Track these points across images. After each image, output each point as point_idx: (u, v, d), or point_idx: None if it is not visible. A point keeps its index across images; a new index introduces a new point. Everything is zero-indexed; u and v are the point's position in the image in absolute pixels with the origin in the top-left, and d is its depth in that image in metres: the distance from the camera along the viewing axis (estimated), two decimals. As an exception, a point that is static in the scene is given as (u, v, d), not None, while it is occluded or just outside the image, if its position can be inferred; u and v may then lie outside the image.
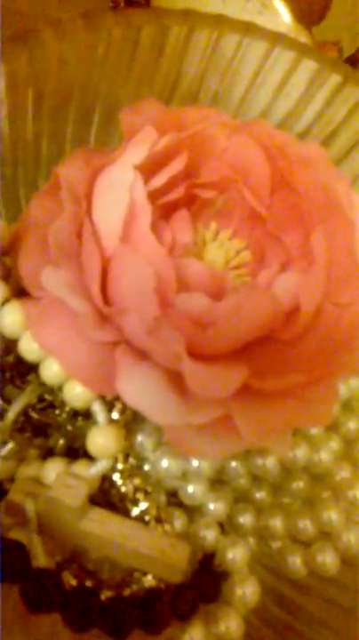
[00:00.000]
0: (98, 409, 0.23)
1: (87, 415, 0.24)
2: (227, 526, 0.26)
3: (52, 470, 0.23)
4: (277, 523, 0.26)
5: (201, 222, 0.25)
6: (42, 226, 0.22)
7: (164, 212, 0.24)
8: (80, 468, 0.23)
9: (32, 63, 0.27)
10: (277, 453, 0.25)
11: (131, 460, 0.24)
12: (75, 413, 0.24)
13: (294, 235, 0.24)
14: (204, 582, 0.24)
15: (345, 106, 0.30)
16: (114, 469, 0.24)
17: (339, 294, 0.23)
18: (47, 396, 0.25)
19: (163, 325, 0.20)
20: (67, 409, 0.24)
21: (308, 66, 0.30)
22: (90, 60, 0.29)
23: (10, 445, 0.24)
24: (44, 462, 0.23)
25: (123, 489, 0.24)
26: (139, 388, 0.21)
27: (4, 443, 0.24)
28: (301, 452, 0.26)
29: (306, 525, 0.26)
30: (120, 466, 0.24)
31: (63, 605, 0.21)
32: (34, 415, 0.24)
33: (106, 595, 0.22)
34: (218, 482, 0.26)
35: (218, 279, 0.22)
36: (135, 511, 0.23)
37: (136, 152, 0.22)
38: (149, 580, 0.23)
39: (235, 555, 0.25)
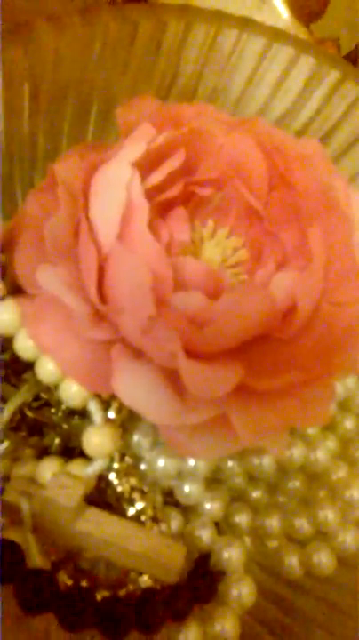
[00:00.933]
0: (94, 408, 0.23)
1: (83, 414, 0.24)
2: (222, 526, 0.26)
3: (48, 470, 0.23)
4: (273, 522, 0.26)
5: (198, 220, 0.25)
6: (38, 223, 0.22)
7: (161, 210, 0.24)
8: (76, 467, 0.23)
9: (28, 58, 0.27)
10: (274, 453, 0.25)
11: (128, 460, 0.24)
12: (70, 412, 0.24)
13: (291, 232, 0.24)
14: (200, 582, 0.24)
15: (343, 103, 0.30)
16: (110, 469, 0.23)
17: (337, 293, 0.23)
18: (43, 395, 0.24)
19: (158, 325, 0.20)
20: (62, 408, 0.24)
21: (307, 62, 0.29)
22: (86, 55, 0.28)
23: (5, 444, 0.23)
24: (40, 461, 0.23)
25: (119, 489, 0.23)
26: (135, 386, 0.21)
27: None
28: (298, 452, 0.26)
29: (302, 525, 0.26)
30: (116, 465, 0.24)
31: (58, 606, 0.20)
32: (29, 414, 0.24)
33: (101, 595, 0.22)
34: (214, 481, 0.26)
35: (215, 278, 0.22)
36: (131, 511, 0.23)
37: (133, 149, 0.22)
38: (145, 580, 0.23)
39: (231, 554, 0.25)
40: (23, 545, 0.22)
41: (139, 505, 0.23)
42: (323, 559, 0.26)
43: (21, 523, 0.22)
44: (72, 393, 0.22)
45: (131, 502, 0.23)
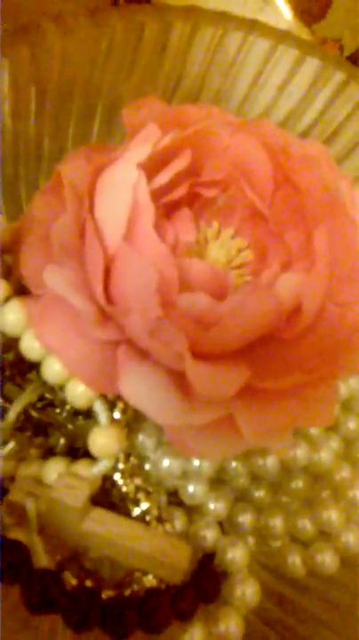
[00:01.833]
0: (99, 408, 0.23)
1: (88, 414, 0.24)
2: (226, 526, 0.26)
3: (53, 470, 0.23)
4: (277, 522, 0.26)
5: (203, 221, 0.25)
6: (44, 224, 0.22)
7: (167, 211, 0.24)
8: (81, 467, 0.23)
9: (34, 59, 0.27)
10: (278, 453, 0.25)
11: (133, 460, 0.24)
12: (75, 412, 0.24)
13: (296, 234, 0.24)
14: (204, 582, 0.24)
15: (348, 104, 0.30)
16: (115, 469, 0.23)
17: (341, 294, 0.23)
18: (48, 395, 0.24)
19: (165, 325, 0.20)
20: (67, 408, 0.24)
21: (312, 64, 0.29)
22: (92, 56, 0.28)
23: (10, 445, 0.23)
24: (45, 462, 0.23)
25: (124, 489, 0.23)
26: (141, 387, 0.21)
27: (5, 442, 0.23)
28: (301, 452, 0.26)
29: (305, 525, 0.26)
30: (121, 466, 0.24)
31: (63, 606, 0.21)
32: (34, 414, 0.24)
33: (106, 594, 0.22)
34: (217, 481, 0.26)
35: (220, 279, 0.22)
36: (136, 511, 0.23)
37: (139, 150, 0.22)
38: (150, 580, 0.23)
39: (235, 555, 0.25)
40: (29, 545, 0.22)
41: (144, 505, 0.23)
42: (327, 559, 0.26)
43: (27, 523, 0.22)
44: (78, 393, 0.22)
45: (136, 502, 0.23)
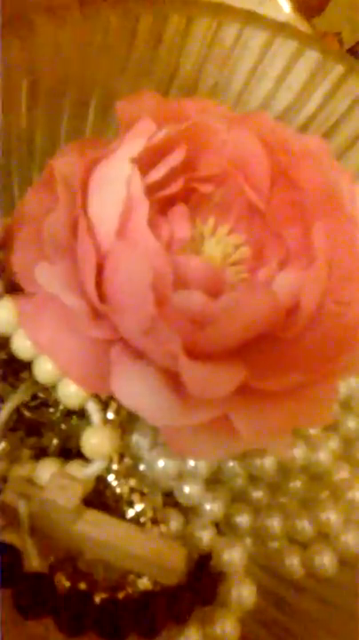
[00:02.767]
0: (92, 408, 0.23)
1: (81, 414, 0.24)
2: (223, 526, 0.26)
3: (46, 471, 0.23)
4: (275, 523, 0.26)
5: (198, 217, 0.25)
6: (36, 220, 0.22)
7: (161, 207, 0.24)
8: (74, 468, 0.23)
9: (27, 52, 0.26)
10: (276, 454, 0.25)
11: (127, 461, 0.24)
12: (68, 412, 0.24)
13: (294, 230, 0.24)
14: (200, 584, 0.24)
15: (348, 98, 0.29)
16: (109, 470, 0.23)
17: (340, 292, 0.23)
18: (41, 394, 0.24)
19: (159, 324, 0.19)
20: (60, 407, 0.24)
21: (310, 57, 0.29)
22: (86, 49, 0.28)
23: (2, 445, 0.23)
24: (38, 462, 0.23)
25: (118, 490, 0.23)
26: (135, 387, 0.20)
27: (-3, 442, 0.23)
28: (300, 452, 0.26)
29: (303, 526, 0.26)
30: (115, 466, 0.23)
31: (56, 610, 0.20)
32: (27, 414, 0.24)
33: (100, 597, 0.22)
34: (214, 481, 0.26)
35: (216, 276, 0.22)
36: (131, 513, 0.23)
37: (133, 144, 0.22)
38: (144, 583, 0.23)
39: (232, 556, 0.25)
40: (21, 547, 0.21)
41: (139, 506, 0.23)
42: (325, 560, 0.26)
43: (19, 524, 0.22)
44: (70, 393, 0.22)
45: (131, 504, 0.23)
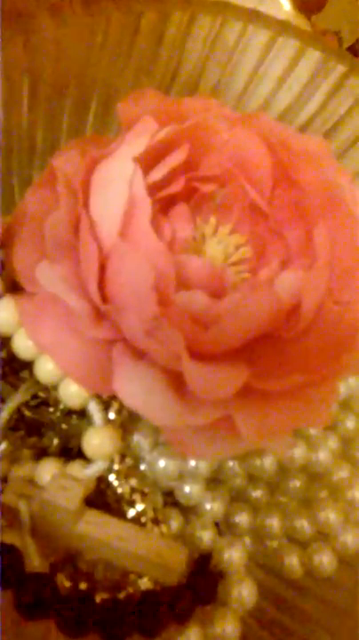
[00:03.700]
0: (94, 409, 0.22)
1: (82, 414, 0.24)
2: (223, 526, 0.26)
3: (47, 471, 0.23)
4: (274, 522, 0.26)
5: (200, 217, 0.25)
6: (37, 219, 0.22)
7: (163, 206, 0.23)
8: (75, 468, 0.23)
9: (28, 50, 0.26)
10: (276, 454, 0.25)
11: (128, 461, 0.24)
12: (69, 412, 0.24)
13: (296, 230, 0.24)
14: (201, 584, 0.24)
15: (349, 97, 0.29)
16: (110, 470, 0.23)
17: (342, 292, 0.23)
18: (41, 394, 0.24)
19: (162, 324, 0.19)
20: (61, 407, 0.24)
21: (312, 56, 0.29)
22: (88, 47, 0.28)
23: (3, 445, 0.23)
24: (39, 463, 0.23)
25: (119, 490, 0.23)
26: (137, 388, 0.20)
27: (-2, 443, 0.23)
28: (299, 452, 0.26)
29: (303, 525, 0.26)
30: (116, 467, 0.23)
31: (57, 610, 0.20)
32: (28, 413, 0.24)
33: (101, 597, 0.22)
34: (214, 481, 0.26)
35: (218, 276, 0.22)
36: (131, 513, 0.23)
37: (135, 143, 0.22)
38: (145, 582, 0.23)
39: (232, 555, 0.25)
40: (21, 547, 0.21)
41: (140, 506, 0.23)
42: (324, 560, 0.26)
43: (20, 525, 0.22)
44: (71, 393, 0.22)
45: (132, 504, 0.23)
